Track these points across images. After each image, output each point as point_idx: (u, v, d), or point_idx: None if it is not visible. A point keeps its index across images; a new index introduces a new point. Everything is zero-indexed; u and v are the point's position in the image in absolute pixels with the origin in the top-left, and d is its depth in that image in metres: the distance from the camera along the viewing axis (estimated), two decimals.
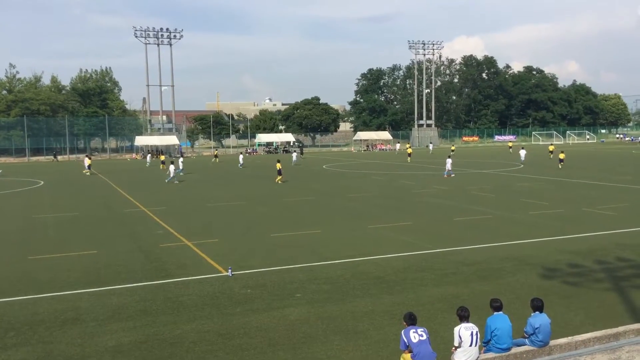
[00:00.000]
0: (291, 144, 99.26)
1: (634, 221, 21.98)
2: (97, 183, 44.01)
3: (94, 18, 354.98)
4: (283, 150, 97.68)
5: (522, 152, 58.33)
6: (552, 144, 71.70)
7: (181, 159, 52.94)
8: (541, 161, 58.21)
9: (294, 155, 65.08)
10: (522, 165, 52.88)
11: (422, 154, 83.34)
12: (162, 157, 63.72)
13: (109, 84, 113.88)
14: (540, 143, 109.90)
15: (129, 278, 15.02)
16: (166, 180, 42.54)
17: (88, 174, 52.78)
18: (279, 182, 39.98)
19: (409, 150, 69.17)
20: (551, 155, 62.25)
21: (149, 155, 72.31)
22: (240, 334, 10.88)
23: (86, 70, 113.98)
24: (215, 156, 73.34)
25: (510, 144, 73.44)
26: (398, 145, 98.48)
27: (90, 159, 57.08)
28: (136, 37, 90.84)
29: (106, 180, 45.86)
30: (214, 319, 11.76)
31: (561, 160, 49.50)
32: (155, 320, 11.74)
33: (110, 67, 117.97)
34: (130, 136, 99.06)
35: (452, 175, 42.10)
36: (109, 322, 11.66)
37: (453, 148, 70.57)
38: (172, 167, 43.01)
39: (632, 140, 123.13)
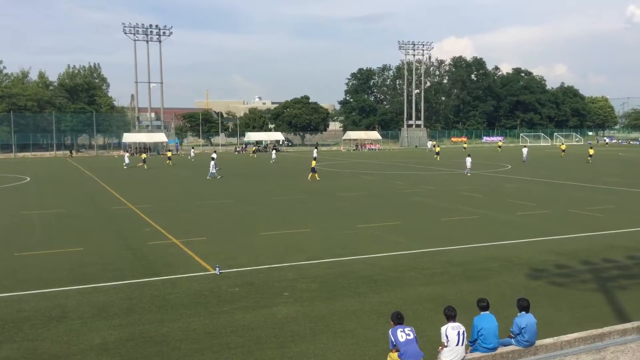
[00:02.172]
0: (267, 144, 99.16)
1: (620, 223, 22.18)
2: (84, 180, 43.69)
3: (83, 14, 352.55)
4: (272, 149, 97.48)
5: (525, 150, 63.01)
6: (562, 144, 79.39)
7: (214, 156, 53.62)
8: (525, 164, 58.58)
9: (273, 153, 67.44)
10: (525, 163, 57.68)
11: (411, 153, 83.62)
12: (144, 155, 62.63)
13: (97, 81, 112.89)
14: (528, 145, 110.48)
15: (115, 276, 14.92)
16: (208, 177, 42.82)
17: (145, 167, 55.68)
18: (311, 179, 40.61)
19: (437, 149, 71.90)
20: (561, 154, 69.38)
21: (127, 154, 65.45)
22: (227, 332, 10.84)
23: (74, 66, 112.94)
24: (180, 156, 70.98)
25: (499, 144, 74.33)
26: (429, 144, 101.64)
27: (144, 153, 59.49)
28: (125, 33, 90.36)
29: (93, 177, 45.54)
30: (201, 317, 11.71)
31: (590, 156, 58.60)
32: (141, 318, 11.67)
33: (98, 64, 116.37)
34: (118, 133, 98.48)
35: (469, 174, 43.71)
36: (94, 320, 11.58)
37: (437, 149, 71.40)
38: (212, 163, 43.74)
39: (609, 141, 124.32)
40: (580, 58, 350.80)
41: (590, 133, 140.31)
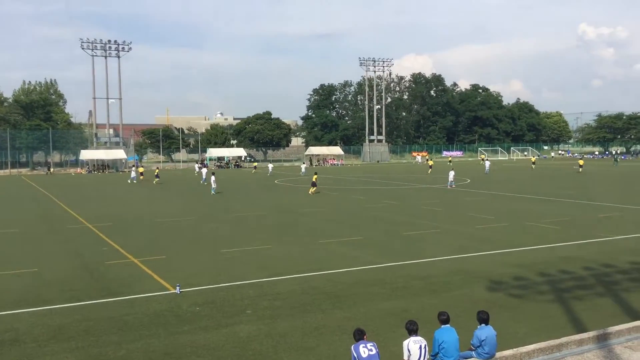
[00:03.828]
0: (198, 161, 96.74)
1: (576, 235, 22.77)
2: (38, 198, 42.52)
3: (39, 29, 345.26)
4: (235, 165, 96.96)
5: (487, 163, 67.38)
6: (533, 157, 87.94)
7: (205, 169, 56.85)
8: (485, 176, 59.76)
9: (204, 172, 58.66)
10: (488, 174, 60.87)
11: (373, 168, 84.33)
12: (157, 170, 61.17)
13: (53, 97, 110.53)
14: (490, 158, 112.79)
15: (71, 297, 14.49)
16: (212, 192, 42.72)
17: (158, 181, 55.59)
18: (312, 193, 41.32)
19: (430, 163, 74.50)
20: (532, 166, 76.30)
21: (134, 168, 63.99)
22: (188, 353, 10.63)
23: (29, 82, 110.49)
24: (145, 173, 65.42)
25: (430, 162, 76.82)
26: (419, 157, 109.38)
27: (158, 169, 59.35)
28: (83, 49, 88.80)
29: (49, 195, 44.36)
30: (161, 337, 11.46)
31: (580, 167, 65.92)
32: (98, 340, 11.35)
33: (55, 80, 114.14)
34: (76, 150, 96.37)
35: (453, 186, 45.87)
36: (49, 343, 11.20)
37: (431, 163, 74.24)
38: (212, 178, 43.50)
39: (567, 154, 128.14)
40: (534, 74, 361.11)
41: (545, 147, 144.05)
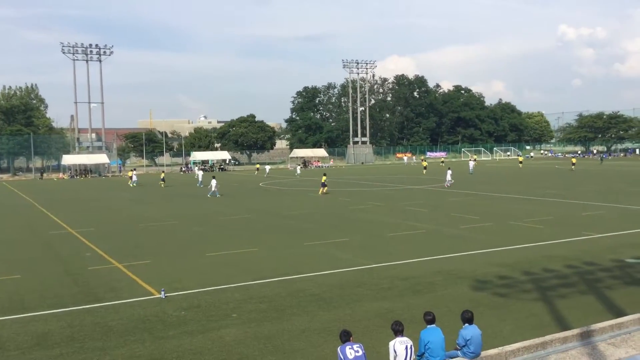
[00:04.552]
0: (192, 164, 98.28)
1: (559, 233, 23.00)
2: (20, 204, 42.01)
3: (19, 33, 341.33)
4: (219, 168, 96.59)
5: (471, 163, 69.88)
6: (520, 156, 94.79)
7: (201, 172, 59.14)
8: (470, 177, 60.18)
9: (200, 174, 58.46)
10: (472, 174, 62.77)
11: (358, 170, 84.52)
12: (163, 174, 63.40)
13: (34, 101, 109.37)
14: (474, 159, 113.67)
15: (55, 303, 14.33)
16: (208, 195, 42.91)
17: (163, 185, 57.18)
18: (322, 194, 42.33)
19: (424, 164, 76.25)
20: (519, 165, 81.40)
21: (134, 172, 64.10)
22: (174, 358, 10.57)
23: (10, 87, 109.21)
24: (130, 177, 64.39)
25: (424, 163, 77.23)
26: (406, 158, 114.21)
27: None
28: (64, 53, 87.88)
29: (30, 201, 43.86)
30: (146, 343, 11.38)
31: (573, 164, 70.47)
32: (82, 346, 11.24)
33: (36, 84, 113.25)
34: (57, 155, 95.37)
35: (451, 184, 47.50)
36: (33, 350, 11.07)
37: (425, 164, 75.24)
38: (213, 182, 43.63)
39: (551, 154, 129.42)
40: (516, 75, 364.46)
41: (527, 147, 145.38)
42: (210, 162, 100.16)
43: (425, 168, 72.93)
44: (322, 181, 43.86)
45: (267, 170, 76.89)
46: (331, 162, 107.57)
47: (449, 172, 49.57)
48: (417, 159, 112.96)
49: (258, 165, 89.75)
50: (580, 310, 12.83)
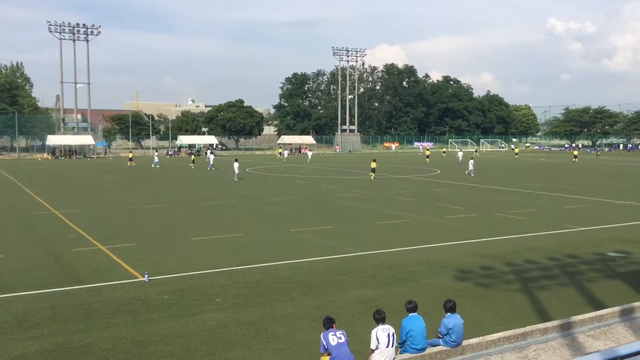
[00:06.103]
0: (201, 147, 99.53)
1: (542, 225, 23.22)
2: (3, 184, 41.55)
3: (4, 10, 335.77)
4: (205, 153, 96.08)
5: (460, 154, 70.33)
6: (516, 148, 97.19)
7: (212, 156, 60.28)
8: (457, 167, 60.45)
9: (211, 157, 59.87)
10: (460, 165, 63.00)
11: (346, 158, 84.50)
12: (193, 157, 65.53)
13: (19, 80, 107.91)
14: (456, 150, 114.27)
15: (37, 284, 14.23)
16: (235, 179, 43.99)
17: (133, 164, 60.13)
18: (372, 178, 44.03)
19: (427, 152, 77.76)
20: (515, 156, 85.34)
21: (156, 152, 65.82)
22: (156, 341, 10.55)
23: None
24: (130, 159, 66.84)
25: (427, 152, 76.77)
26: (393, 147, 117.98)
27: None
28: (50, 31, 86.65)
29: (14, 181, 43.39)
30: (129, 326, 11.35)
31: (575, 157, 74.37)
32: (64, 328, 11.19)
33: (21, 63, 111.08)
34: (42, 135, 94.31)
35: (472, 174, 48.18)
36: (14, 331, 11.00)
37: (428, 153, 76.20)
38: (211, 157, 46.13)
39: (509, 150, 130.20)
40: (504, 67, 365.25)
41: (514, 139, 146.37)
42: (197, 146, 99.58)
43: (428, 157, 74.16)
44: (372, 167, 45.22)
45: (286, 155, 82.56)
46: (337, 148, 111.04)
47: (472, 161, 51.07)
48: (395, 149, 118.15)
49: (193, 157, 79.77)
50: (561, 302, 12.99)
